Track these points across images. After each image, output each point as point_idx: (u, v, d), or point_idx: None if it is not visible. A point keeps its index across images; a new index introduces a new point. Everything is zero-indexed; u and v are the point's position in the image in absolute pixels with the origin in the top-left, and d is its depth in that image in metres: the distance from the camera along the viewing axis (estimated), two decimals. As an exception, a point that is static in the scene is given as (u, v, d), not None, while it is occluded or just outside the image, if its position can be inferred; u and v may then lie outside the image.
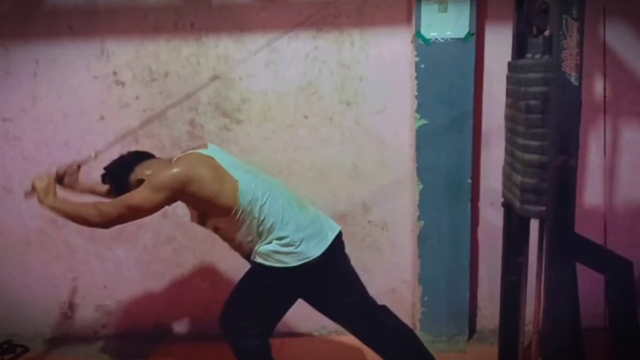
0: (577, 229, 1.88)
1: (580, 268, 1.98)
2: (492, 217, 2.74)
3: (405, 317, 2.87)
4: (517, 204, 1.96)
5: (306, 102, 2.75)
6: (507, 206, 2.18)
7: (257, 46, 2.67)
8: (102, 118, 2.82)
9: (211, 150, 2.10)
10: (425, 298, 2.82)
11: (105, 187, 2.28)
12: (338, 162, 2.80)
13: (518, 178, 1.95)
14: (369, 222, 2.86)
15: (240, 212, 2.01)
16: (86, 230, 2.88)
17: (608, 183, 2.70)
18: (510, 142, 2.08)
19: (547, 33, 1.89)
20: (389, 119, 2.74)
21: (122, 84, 2.78)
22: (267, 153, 2.79)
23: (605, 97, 2.06)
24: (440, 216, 2.73)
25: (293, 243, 2.03)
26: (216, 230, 2.12)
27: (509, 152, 2.10)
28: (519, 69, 1.97)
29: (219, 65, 2.73)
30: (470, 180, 2.68)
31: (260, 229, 2.03)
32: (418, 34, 2.55)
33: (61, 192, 2.19)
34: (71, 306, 3.04)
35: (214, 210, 2.03)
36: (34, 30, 2.73)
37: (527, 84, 1.89)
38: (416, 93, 2.62)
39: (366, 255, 2.88)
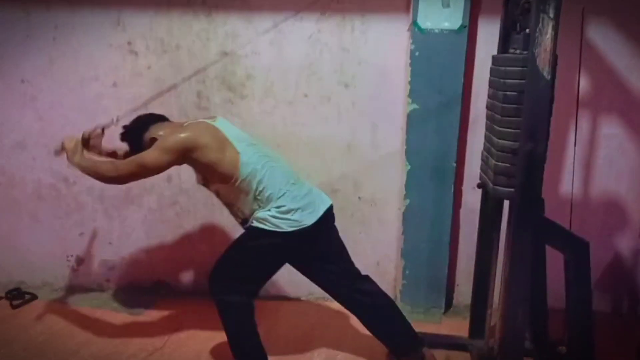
0: (549, 215, 2.04)
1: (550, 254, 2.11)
2: (473, 201, 2.88)
3: (387, 288, 3.06)
4: (490, 185, 2.15)
5: (307, 82, 2.90)
6: (482, 187, 2.37)
7: (264, 26, 2.82)
8: (114, 85, 2.98)
9: (219, 123, 2.29)
10: (407, 272, 3.00)
11: (123, 151, 2.49)
12: (333, 140, 2.96)
13: (492, 161, 2.13)
14: (359, 198, 3.04)
15: (239, 181, 2.20)
16: (95, 189, 3.09)
17: (580, 174, 2.84)
18: (488, 129, 2.26)
19: (527, 31, 2.06)
20: (383, 102, 2.89)
21: (136, 53, 2.94)
22: (267, 127, 2.95)
23: (578, 92, 2.22)
24: (424, 196, 2.89)
25: (289, 211, 2.22)
26: (217, 194, 2.32)
27: (487, 138, 2.28)
28: (501, 63, 2.15)
29: (226, 42, 2.89)
30: (454, 165, 2.84)
31: (259, 198, 2.22)
32: (415, 23, 2.70)
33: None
34: (78, 260, 3.24)
35: (214, 176, 2.23)
36: (55, -3, 2.87)
37: (506, 76, 2.06)
38: (409, 79, 2.76)
39: (355, 229, 3.06)
